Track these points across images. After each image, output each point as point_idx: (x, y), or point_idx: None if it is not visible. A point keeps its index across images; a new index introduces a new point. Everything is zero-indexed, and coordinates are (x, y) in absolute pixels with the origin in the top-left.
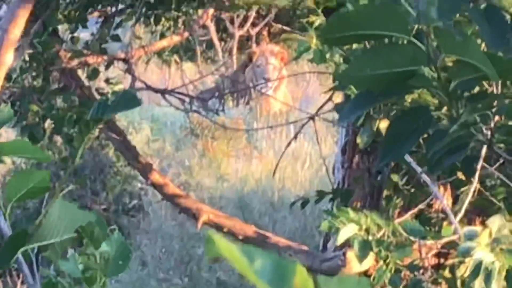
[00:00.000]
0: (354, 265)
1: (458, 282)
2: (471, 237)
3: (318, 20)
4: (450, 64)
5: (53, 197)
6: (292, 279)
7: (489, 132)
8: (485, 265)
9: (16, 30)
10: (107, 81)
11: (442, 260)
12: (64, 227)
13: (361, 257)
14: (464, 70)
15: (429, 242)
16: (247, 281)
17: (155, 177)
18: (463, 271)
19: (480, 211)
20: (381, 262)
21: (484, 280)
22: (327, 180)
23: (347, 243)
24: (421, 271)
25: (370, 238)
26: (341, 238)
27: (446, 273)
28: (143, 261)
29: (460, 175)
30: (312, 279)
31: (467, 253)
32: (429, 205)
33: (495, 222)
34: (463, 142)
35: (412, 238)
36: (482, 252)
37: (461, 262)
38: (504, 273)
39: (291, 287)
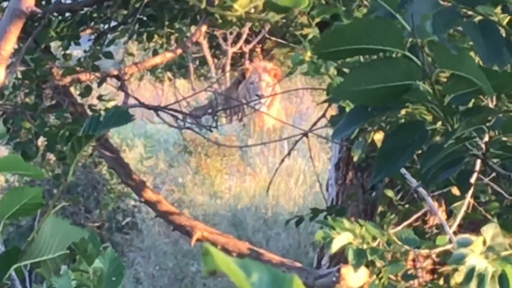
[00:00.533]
0: (349, 281)
1: None
2: (464, 244)
3: (312, 32)
4: (444, 78)
5: (46, 214)
6: None
7: (484, 147)
8: (478, 271)
9: (8, 47)
10: (100, 98)
11: (436, 276)
12: (57, 243)
13: (356, 266)
14: (459, 85)
15: (424, 251)
16: None
17: (149, 194)
18: (457, 279)
19: (475, 226)
20: (374, 277)
21: (477, 286)
22: (321, 196)
23: (342, 260)
24: (416, 280)
25: (365, 246)
26: (335, 246)
27: (440, 282)
28: (136, 279)
29: (454, 190)
30: None
31: (460, 260)
32: (424, 222)
33: (489, 230)
34: (458, 156)
35: (406, 247)
36: (475, 259)
37: (455, 270)
38: (497, 279)
39: None
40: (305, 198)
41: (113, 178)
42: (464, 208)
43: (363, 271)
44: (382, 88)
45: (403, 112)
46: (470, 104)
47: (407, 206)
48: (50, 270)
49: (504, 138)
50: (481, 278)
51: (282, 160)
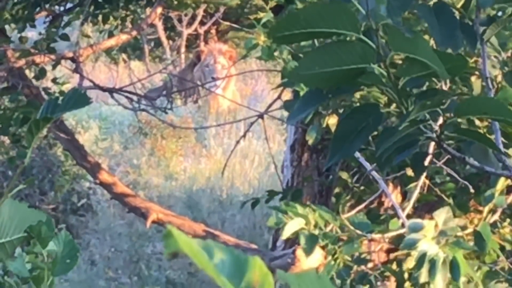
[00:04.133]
0: (304, 263)
1: (405, 275)
2: (416, 229)
3: (266, 16)
4: (399, 61)
5: (3, 197)
6: (251, 273)
7: (438, 129)
8: (429, 256)
9: None
10: (54, 80)
11: (389, 259)
12: (14, 226)
13: (308, 251)
14: (413, 68)
15: (377, 236)
16: (196, 280)
17: (104, 176)
18: (410, 264)
19: (429, 208)
20: (330, 258)
21: (429, 271)
22: (276, 178)
23: (297, 241)
24: (369, 264)
25: (317, 232)
26: (287, 232)
27: (393, 266)
28: (92, 260)
29: (409, 171)
30: (270, 273)
31: (412, 245)
32: (380, 204)
33: (441, 214)
34: (413, 139)
35: (359, 232)
36: (426, 244)
37: (408, 255)
38: (448, 264)
39: (250, 281)
40: (260, 180)
41: (68, 160)
42: (418, 190)
43: (318, 252)
44: (337, 71)
45: (357, 95)
46: (425, 87)
47: (362, 188)
48: (7, 253)
49: (458, 120)
50: (432, 263)
51: (238, 142)
